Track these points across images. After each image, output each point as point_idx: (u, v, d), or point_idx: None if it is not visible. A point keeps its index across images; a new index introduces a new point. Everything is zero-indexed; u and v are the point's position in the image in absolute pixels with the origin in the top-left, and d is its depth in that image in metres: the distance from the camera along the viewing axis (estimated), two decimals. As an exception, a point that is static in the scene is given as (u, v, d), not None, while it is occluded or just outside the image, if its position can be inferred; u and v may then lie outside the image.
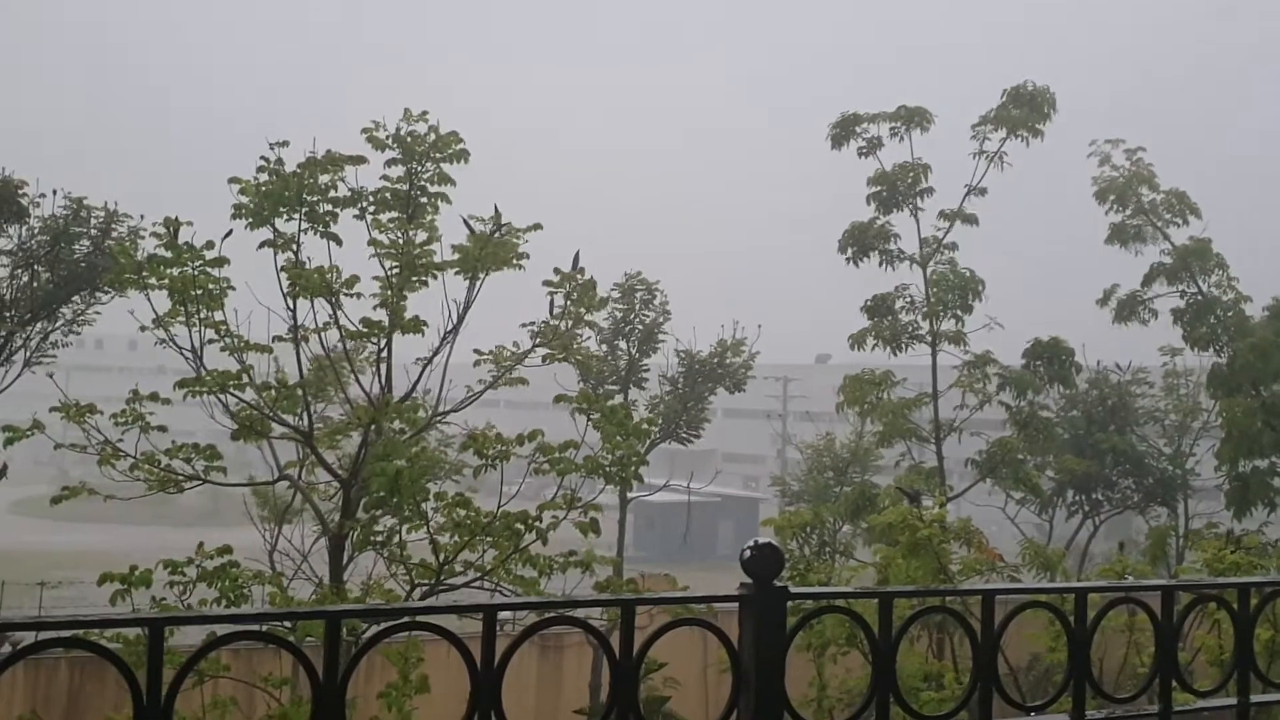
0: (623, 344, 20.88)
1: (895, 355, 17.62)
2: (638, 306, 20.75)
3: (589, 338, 14.95)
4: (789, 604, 3.40)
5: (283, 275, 11.80)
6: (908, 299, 17.69)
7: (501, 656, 3.06)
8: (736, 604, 3.39)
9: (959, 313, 17.33)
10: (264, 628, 3.53)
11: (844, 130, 18.02)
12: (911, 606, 3.99)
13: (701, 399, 21.66)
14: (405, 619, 3.55)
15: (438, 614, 3.28)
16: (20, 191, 16.92)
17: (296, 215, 11.71)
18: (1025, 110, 17.69)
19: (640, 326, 20.78)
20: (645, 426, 11.66)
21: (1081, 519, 22.17)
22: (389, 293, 11.72)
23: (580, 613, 3.72)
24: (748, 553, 3.36)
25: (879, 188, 17.87)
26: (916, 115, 17.73)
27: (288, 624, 9.15)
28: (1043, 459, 18.95)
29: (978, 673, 3.61)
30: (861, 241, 17.69)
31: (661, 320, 20.97)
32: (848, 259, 17.81)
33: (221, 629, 3.14)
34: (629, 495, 18.60)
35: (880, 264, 17.78)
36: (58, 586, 20.47)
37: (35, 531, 38.41)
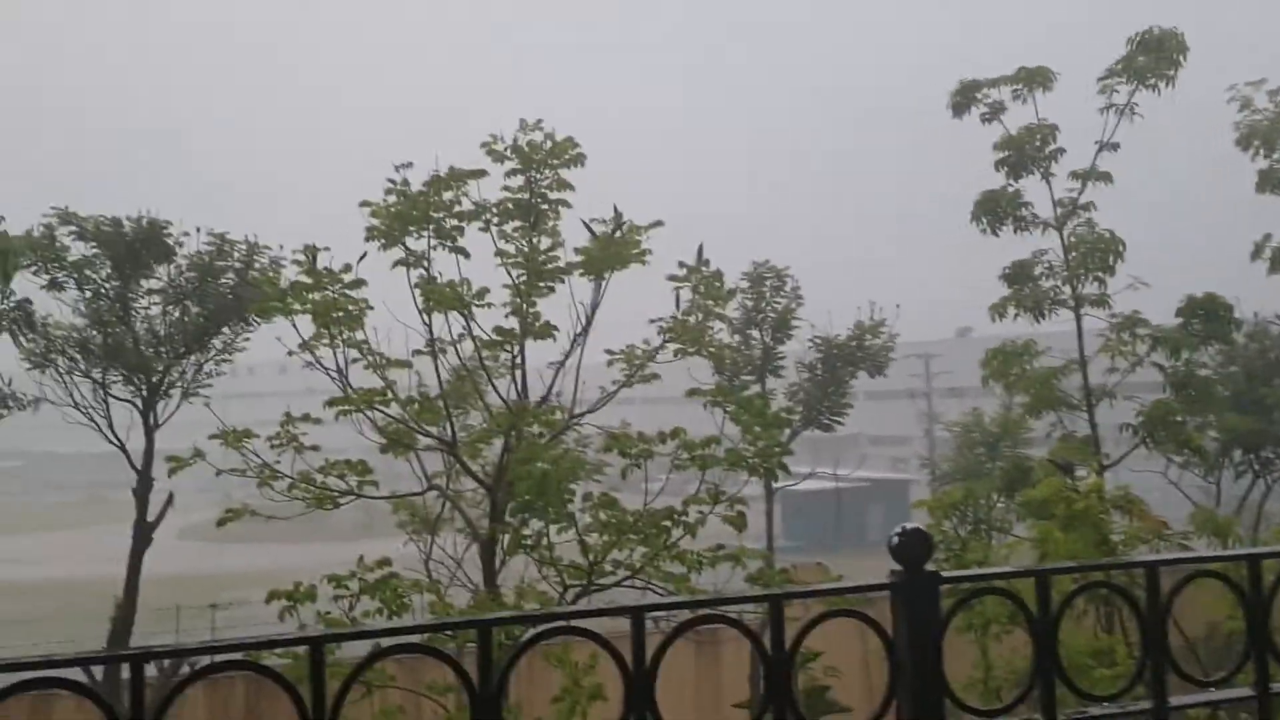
0: (755, 333, 20.70)
1: (1038, 322, 16.99)
2: (768, 294, 20.55)
3: (720, 330, 14.87)
4: (944, 587, 3.29)
5: (416, 292, 12.09)
6: (1046, 265, 17.06)
7: (653, 656, 3.03)
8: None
9: (1101, 275, 16.61)
10: (423, 639, 3.57)
11: (964, 97, 17.46)
12: (1073, 582, 3.82)
13: (842, 383, 21.31)
14: (559, 623, 3.55)
15: (586, 617, 3.26)
16: (165, 231, 17.76)
17: (425, 233, 11.99)
18: (1153, 57, 16.85)
19: (772, 314, 20.57)
20: (784, 415, 11.50)
21: (1252, 479, 21.02)
22: (519, 300, 11.90)
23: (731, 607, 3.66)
24: (895, 539, 3.26)
25: (1006, 153, 17.27)
26: (1038, 76, 17.05)
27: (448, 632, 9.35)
28: (1203, 419, 18.02)
29: (1147, 648, 3.43)
30: (994, 210, 17.11)
31: (794, 306, 20.72)
32: (982, 229, 17.27)
33: (384, 641, 3.20)
34: (774, 486, 18.49)
35: (1015, 230, 17.20)
36: (228, 608, 21.42)
37: (203, 556, 40.29)
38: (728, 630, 3.47)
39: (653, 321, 12.49)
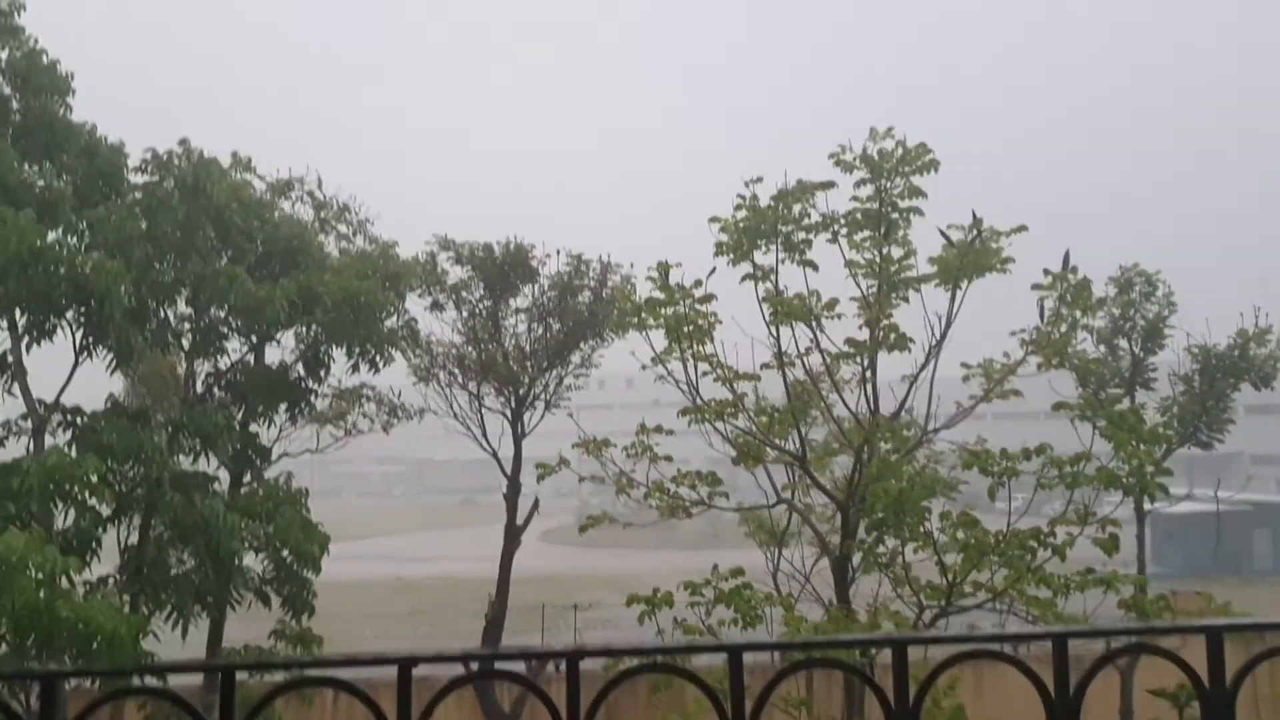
0: (1123, 342, 19.22)
1: None
2: (1138, 300, 19.02)
3: (1084, 340, 13.94)
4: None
5: (764, 305, 12.17)
6: None
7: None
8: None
9: None
10: (658, 659, 3.51)
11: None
12: None
13: (1222, 397, 19.34)
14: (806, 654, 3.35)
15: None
16: (530, 255, 18.98)
17: (773, 246, 12.05)
18: None
19: (1142, 322, 19.01)
20: (1162, 430, 10.57)
21: None
22: (870, 311, 11.70)
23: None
24: None
25: None
26: None
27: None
28: None
29: None
30: None
31: (1166, 313, 19.04)
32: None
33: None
34: (1147, 508, 17.09)
35: None
36: (588, 608, 22.54)
37: (562, 558, 42.54)
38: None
39: (1014, 334, 11.89)
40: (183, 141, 13.09)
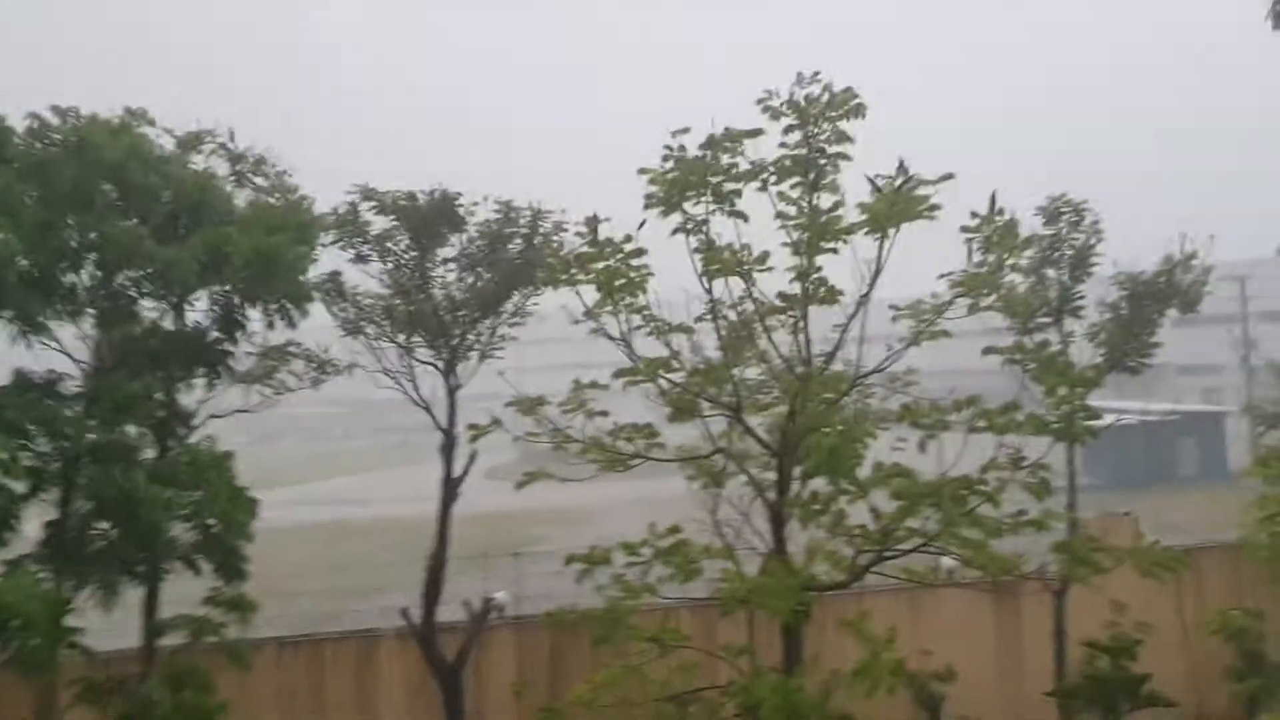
0: (1051, 272, 19.33)
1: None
2: (1065, 230, 19.10)
3: (1012, 278, 13.94)
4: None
5: (696, 257, 11.99)
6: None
7: None
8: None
9: None
10: None
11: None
12: None
13: (1149, 323, 19.62)
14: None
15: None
16: (457, 202, 18.48)
17: (704, 197, 11.83)
18: None
19: (1070, 251, 19.12)
20: (1089, 374, 10.63)
21: None
22: (802, 261, 11.57)
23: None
24: None
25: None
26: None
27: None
28: None
29: None
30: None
31: (1094, 242, 19.16)
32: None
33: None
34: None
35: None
36: (530, 552, 22.63)
37: (507, 495, 42.41)
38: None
39: (942, 276, 11.85)
40: (66, 108, 12.45)
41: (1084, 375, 10.58)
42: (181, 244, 12.37)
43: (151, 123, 13.49)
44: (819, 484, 11.93)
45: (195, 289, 13.10)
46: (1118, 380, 22.12)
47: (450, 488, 18.39)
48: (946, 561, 15.40)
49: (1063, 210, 19.16)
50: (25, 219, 11.21)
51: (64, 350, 13.94)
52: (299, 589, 26.50)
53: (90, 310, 13.32)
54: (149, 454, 13.82)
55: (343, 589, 27.87)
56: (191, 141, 16.12)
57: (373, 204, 18.06)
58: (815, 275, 11.42)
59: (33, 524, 12.83)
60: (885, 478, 10.71)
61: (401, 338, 18.55)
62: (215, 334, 14.33)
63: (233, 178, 16.45)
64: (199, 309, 14.39)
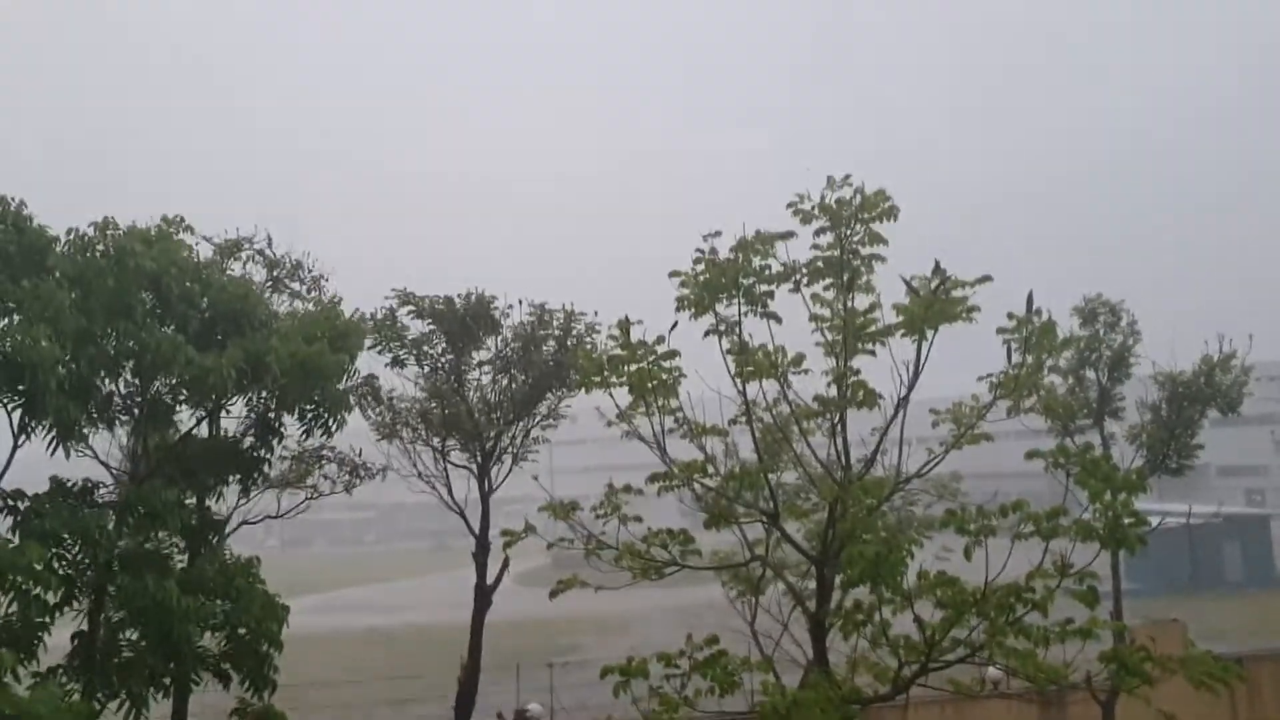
0: (1090, 373, 19.14)
1: None
2: (1102, 331, 18.96)
3: (1051, 379, 13.77)
4: None
5: (729, 359, 11.91)
6: None
7: None
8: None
9: None
10: None
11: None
12: None
13: (1190, 423, 19.30)
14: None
15: None
16: (493, 305, 18.66)
17: (735, 299, 11.80)
18: None
19: (1108, 352, 18.95)
20: (1135, 478, 10.36)
21: None
22: (837, 362, 11.47)
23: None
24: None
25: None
26: None
27: None
28: None
29: None
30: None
31: (1131, 342, 19.00)
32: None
33: None
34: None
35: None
36: (564, 665, 22.09)
37: (540, 600, 41.87)
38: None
39: (981, 379, 11.68)
40: (105, 220, 12.69)
41: (1129, 479, 10.29)
42: (220, 351, 12.45)
43: (190, 230, 13.72)
44: (861, 593, 11.64)
45: (232, 396, 13.14)
46: (1159, 482, 21.71)
47: (483, 595, 18.17)
48: (992, 671, 14.99)
49: (1099, 310, 19.06)
50: (66, 326, 11.34)
51: (100, 459, 14.02)
52: (329, 700, 26.08)
53: (125, 417, 13.40)
54: (180, 560, 13.76)
55: (374, 699, 27.39)
56: (230, 249, 16.41)
57: (410, 308, 18.26)
58: (853, 378, 11.29)
59: (60, 634, 12.73)
60: (930, 587, 10.41)
61: (436, 441, 18.56)
62: (251, 441, 14.36)
63: (269, 283, 16.70)
64: (235, 414, 14.46)
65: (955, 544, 11.10)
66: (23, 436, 11.83)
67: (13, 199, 12.10)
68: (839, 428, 11.68)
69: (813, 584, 12.23)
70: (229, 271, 15.35)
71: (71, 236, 12.40)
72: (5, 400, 11.66)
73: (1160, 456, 19.37)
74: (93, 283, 11.90)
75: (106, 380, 12.66)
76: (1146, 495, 14.02)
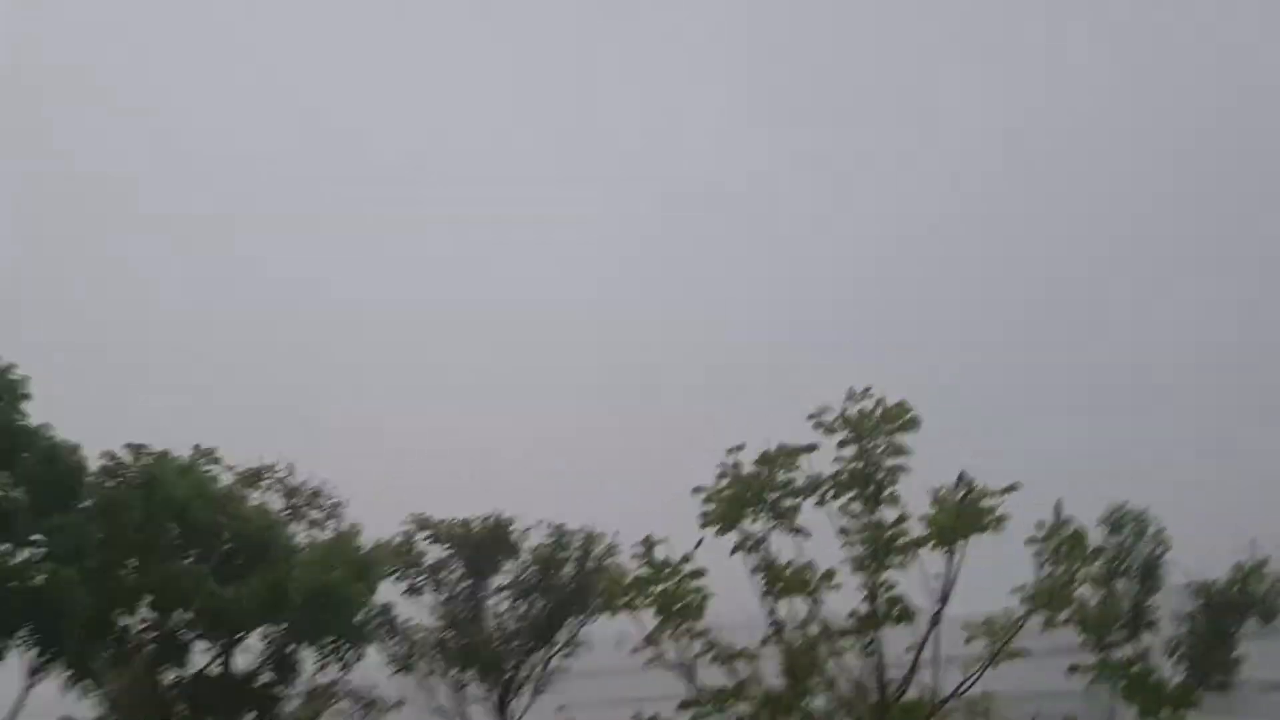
0: (1121, 583, 18.75)
1: None
2: (1129, 540, 18.70)
3: (1082, 590, 13.48)
4: None
5: (758, 577, 11.70)
6: None
7: None
8: None
9: None
10: None
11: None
12: None
13: (1226, 635, 18.76)
14: None
15: None
16: (510, 528, 18.55)
17: (761, 514, 11.70)
18: None
19: (1136, 562, 18.63)
20: (1183, 692, 10.00)
21: None
22: (868, 578, 11.28)
23: None
24: None
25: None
26: None
27: None
28: None
29: None
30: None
31: (1160, 551, 18.71)
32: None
33: None
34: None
35: None
36: None
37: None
38: None
39: (1014, 591, 11.44)
40: (139, 444, 12.84)
41: (1180, 694, 9.92)
42: (241, 582, 12.33)
43: (217, 460, 13.84)
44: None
45: (251, 629, 12.93)
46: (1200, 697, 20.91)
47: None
48: None
49: (1125, 520, 18.87)
50: (93, 563, 11.29)
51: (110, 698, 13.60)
52: None
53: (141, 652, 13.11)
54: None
55: None
56: (251, 478, 16.48)
57: (427, 533, 18.15)
58: (887, 594, 11.06)
59: None
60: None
61: (454, 672, 18.07)
62: (266, 676, 14.02)
63: (288, 511, 16.69)
64: (250, 649, 14.14)
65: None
66: (37, 677, 11.56)
67: (44, 429, 12.23)
68: (873, 646, 11.35)
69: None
70: (250, 500, 15.36)
71: (105, 462, 12.49)
72: (21, 639, 11.45)
73: (1201, 670, 18.75)
74: (121, 514, 11.92)
75: (124, 614, 12.47)
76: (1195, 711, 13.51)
